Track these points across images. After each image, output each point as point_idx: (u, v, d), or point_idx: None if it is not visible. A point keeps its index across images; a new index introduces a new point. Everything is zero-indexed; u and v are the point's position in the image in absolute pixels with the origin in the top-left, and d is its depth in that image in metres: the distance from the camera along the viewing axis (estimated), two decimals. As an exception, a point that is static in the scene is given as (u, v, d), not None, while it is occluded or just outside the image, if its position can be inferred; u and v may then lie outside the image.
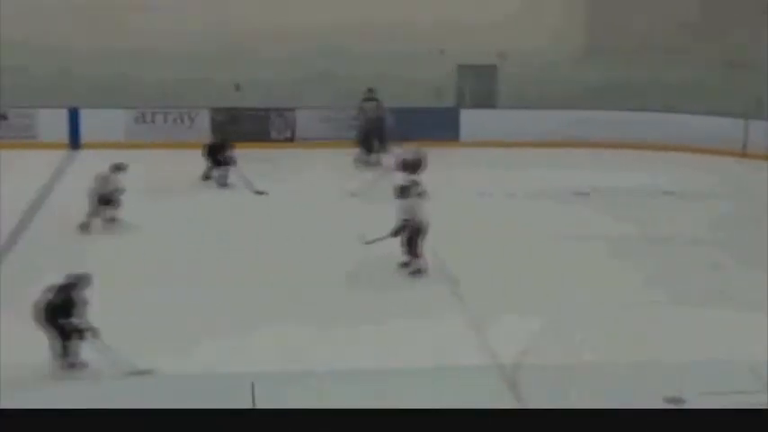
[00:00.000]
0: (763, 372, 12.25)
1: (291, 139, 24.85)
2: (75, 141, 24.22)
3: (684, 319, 14.20)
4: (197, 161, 21.02)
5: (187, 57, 24.65)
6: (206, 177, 21.17)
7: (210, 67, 24.73)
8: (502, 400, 11.75)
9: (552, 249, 17.18)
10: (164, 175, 21.30)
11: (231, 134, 23.50)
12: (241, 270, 15.88)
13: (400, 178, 18.66)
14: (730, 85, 25.09)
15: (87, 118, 24.19)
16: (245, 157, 21.12)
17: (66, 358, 12.31)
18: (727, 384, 11.94)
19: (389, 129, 22.75)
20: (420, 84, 25.22)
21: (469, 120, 25.51)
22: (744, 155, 24.28)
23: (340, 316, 14.00)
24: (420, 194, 16.61)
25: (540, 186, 21.23)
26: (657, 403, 11.33)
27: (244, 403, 11.26)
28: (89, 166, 22.24)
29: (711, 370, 12.41)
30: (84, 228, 17.76)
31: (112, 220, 18.13)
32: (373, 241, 15.65)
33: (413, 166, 19.88)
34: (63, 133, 24.15)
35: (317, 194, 20.47)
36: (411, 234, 15.64)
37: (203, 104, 24.80)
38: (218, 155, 21.14)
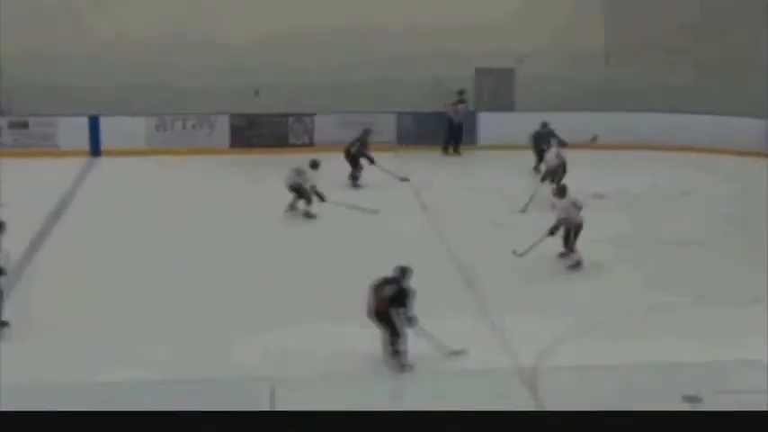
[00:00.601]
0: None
1: (310, 144, 24.96)
2: (95, 149, 24.42)
3: (686, 319, 14.35)
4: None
5: (204, 64, 24.80)
6: (352, 177, 21.54)
7: (228, 74, 24.79)
8: (515, 399, 11.86)
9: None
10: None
11: (251, 139, 24.31)
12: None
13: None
14: (731, 86, 24.97)
15: (107, 125, 24.42)
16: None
17: (398, 358, 12.75)
18: (737, 383, 12.10)
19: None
20: (439, 87, 25.22)
21: (487, 122, 25.52)
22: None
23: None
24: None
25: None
26: (677, 403, 11.44)
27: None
28: (109, 173, 22.77)
29: (721, 369, 12.56)
30: (288, 209, 19.23)
31: (308, 214, 19.10)
32: (526, 252, 16.21)
33: (554, 171, 20.30)
34: (83, 141, 24.34)
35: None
36: (567, 231, 16.68)
37: (222, 110, 25.00)
38: (357, 157, 21.62)
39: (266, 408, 11.22)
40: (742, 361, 12.76)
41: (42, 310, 14.36)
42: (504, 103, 26.27)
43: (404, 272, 12.90)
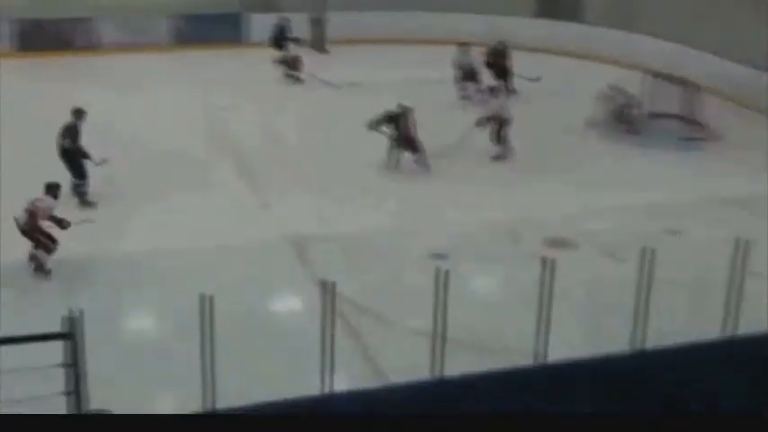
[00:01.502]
0: (512, 229, 14.13)
1: (95, 46, 25.23)
2: None
3: (440, 188, 15.99)
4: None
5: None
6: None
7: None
8: (294, 272, 12.90)
9: (340, 135, 18.46)
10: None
11: (35, 43, 24.46)
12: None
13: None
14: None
15: None
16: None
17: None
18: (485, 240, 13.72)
19: None
20: None
21: (252, 23, 26.49)
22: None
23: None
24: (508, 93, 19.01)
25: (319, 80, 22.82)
26: (425, 260, 12.58)
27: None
28: None
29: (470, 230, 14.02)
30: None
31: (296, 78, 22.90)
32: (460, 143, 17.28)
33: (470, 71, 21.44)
34: None
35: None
36: (496, 126, 17.71)
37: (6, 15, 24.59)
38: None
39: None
40: (484, 224, 14.22)
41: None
42: (269, 3, 27.07)
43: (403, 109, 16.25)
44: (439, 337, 9.13)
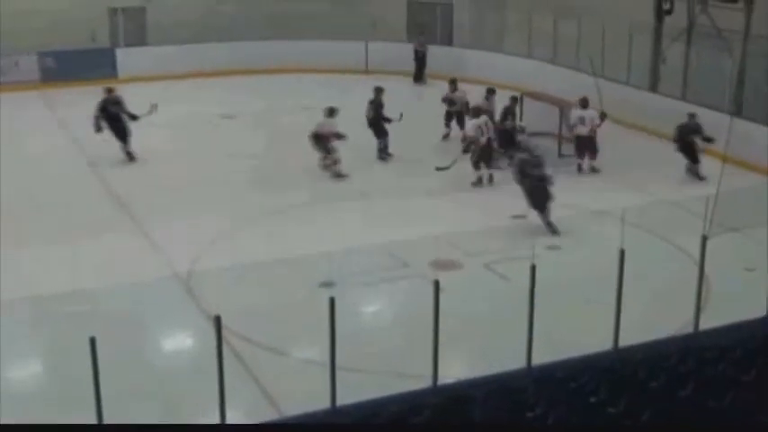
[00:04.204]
0: (398, 253, 14.00)
1: None
2: None
3: (325, 216, 15.94)
4: None
5: None
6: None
7: None
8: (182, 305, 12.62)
9: (212, 165, 18.65)
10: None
11: None
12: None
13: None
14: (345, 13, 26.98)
15: None
16: None
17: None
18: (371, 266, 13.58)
19: None
20: (75, 28, 25.56)
21: (124, 58, 26.46)
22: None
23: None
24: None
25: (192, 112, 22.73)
26: (314, 289, 12.43)
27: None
28: None
29: (357, 256, 13.72)
30: None
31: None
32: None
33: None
34: None
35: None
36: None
37: None
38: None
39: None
40: (368, 247, 13.94)
41: None
42: (138, 39, 27.30)
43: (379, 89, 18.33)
44: (332, 366, 8.90)
